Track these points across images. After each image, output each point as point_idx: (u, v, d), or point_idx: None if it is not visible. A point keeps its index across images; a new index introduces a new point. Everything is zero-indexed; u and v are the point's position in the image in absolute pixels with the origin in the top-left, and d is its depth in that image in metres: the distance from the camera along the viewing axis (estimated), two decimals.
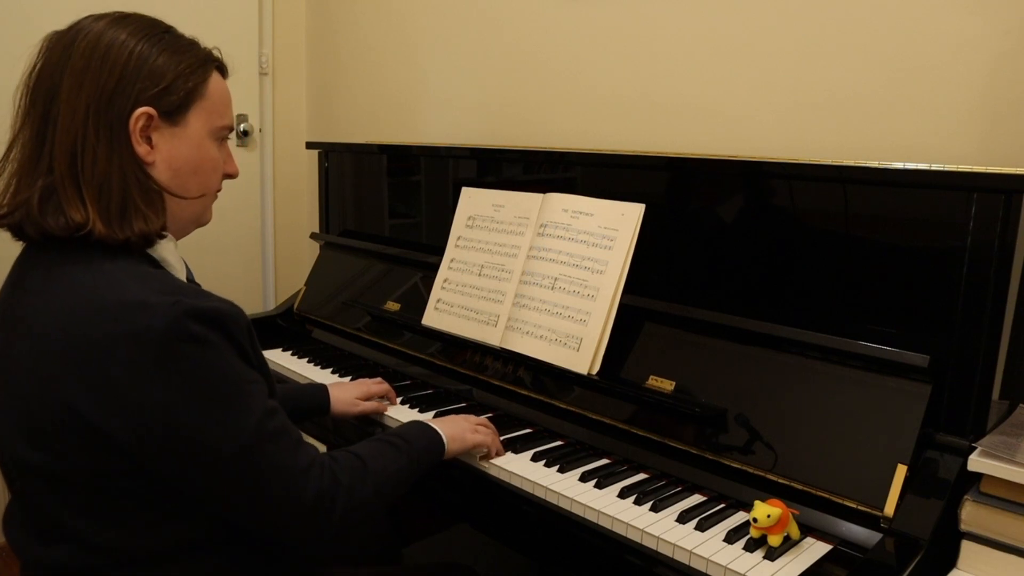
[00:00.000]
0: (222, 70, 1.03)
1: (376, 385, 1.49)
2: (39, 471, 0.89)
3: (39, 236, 0.90)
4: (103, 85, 0.90)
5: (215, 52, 1.02)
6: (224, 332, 0.87)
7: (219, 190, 1.06)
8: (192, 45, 0.99)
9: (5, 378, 0.92)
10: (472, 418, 1.29)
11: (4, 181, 0.94)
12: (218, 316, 0.86)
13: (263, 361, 0.96)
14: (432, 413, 1.46)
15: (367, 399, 1.47)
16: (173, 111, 0.95)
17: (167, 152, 0.95)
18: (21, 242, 0.97)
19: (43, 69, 0.93)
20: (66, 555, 0.91)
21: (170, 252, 0.99)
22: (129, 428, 0.84)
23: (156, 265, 0.96)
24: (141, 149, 0.93)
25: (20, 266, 0.97)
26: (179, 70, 0.95)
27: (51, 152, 0.90)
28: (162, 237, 0.97)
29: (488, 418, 1.44)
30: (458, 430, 1.22)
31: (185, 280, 1.01)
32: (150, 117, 0.93)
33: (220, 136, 1.02)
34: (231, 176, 1.06)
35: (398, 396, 1.54)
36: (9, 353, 0.91)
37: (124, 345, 0.83)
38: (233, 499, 0.90)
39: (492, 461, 1.27)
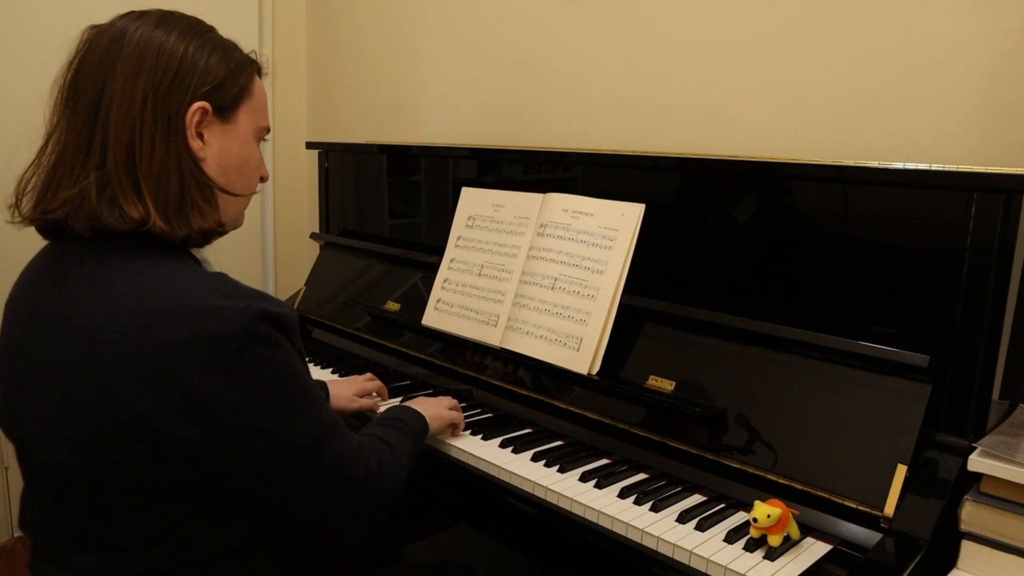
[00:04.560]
0: (260, 73, 1.05)
1: (368, 382, 1.54)
2: (84, 479, 0.87)
3: (88, 232, 0.87)
4: (160, 78, 0.90)
5: (253, 54, 1.04)
6: (287, 334, 0.89)
7: (256, 186, 1.07)
8: (235, 46, 1.01)
9: (47, 382, 0.88)
10: (440, 398, 1.38)
11: (38, 178, 0.91)
12: (284, 320, 0.88)
13: (304, 356, 0.98)
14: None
15: (361, 396, 1.51)
16: (226, 108, 0.96)
17: (217, 149, 0.96)
18: (47, 240, 0.96)
19: (86, 62, 0.91)
20: (105, 563, 0.90)
21: (209, 252, 1.01)
22: (203, 432, 0.84)
23: (200, 266, 0.97)
24: (195, 144, 0.93)
25: (55, 262, 0.93)
26: (231, 68, 0.96)
27: (104, 144, 0.88)
28: (220, 234, 0.98)
29: (488, 418, 1.45)
30: (435, 410, 1.31)
31: None
32: (205, 112, 0.93)
33: (260, 137, 1.04)
34: (263, 179, 1.07)
35: (399, 396, 1.55)
36: (52, 354, 0.88)
37: (197, 350, 0.81)
38: (299, 490, 0.92)
39: (492, 461, 1.27)
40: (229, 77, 0.96)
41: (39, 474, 0.94)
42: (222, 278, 0.91)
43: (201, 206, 0.93)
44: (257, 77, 1.03)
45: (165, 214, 0.89)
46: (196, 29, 0.96)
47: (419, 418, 1.24)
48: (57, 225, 0.90)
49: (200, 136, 0.94)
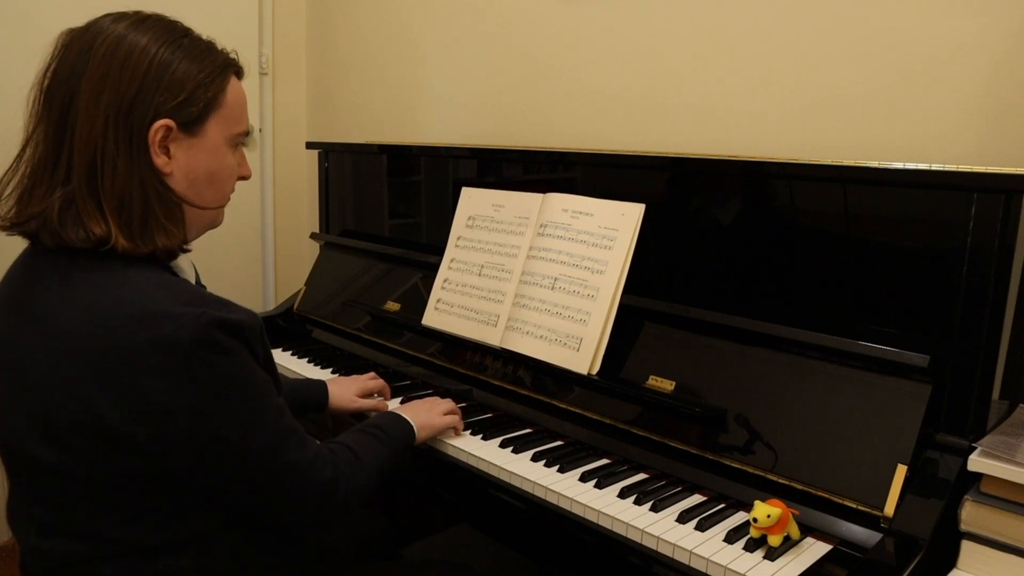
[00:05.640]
0: (239, 73, 1.02)
1: (371, 381, 1.53)
2: (51, 468, 0.90)
3: (54, 246, 0.90)
4: (123, 94, 0.89)
5: (232, 55, 1.01)
6: (244, 341, 0.89)
7: (232, 191, 1.06)
8: (210, 50, 0.98)
9: (18, 373, 0.92)
10: (438, 402, 1.37)
11: (16, 184, 0.93)
12: (240, 327, 0.88)
13: (272, 361, 0.98)
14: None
15: (363, 395, 1.49)
16: (192, 122, 0.95)
17: (184, 162, 0.95)
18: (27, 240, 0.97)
19: (59, 71, 0.91)
20: (72, 547, 0.92)
21: (184, 258, 1.00)
22: (154, 433, 0.86)
23: (171, 271, 0.97)
24: (159, 160, 0.93)
25: (35, 263, 0.96)
26: (199, 79, 0.94)
27: (69, 161, 0.89)
28: (185, 251, 0.98)
29: (488, 418, 1.45)
30: (426, 418, 1.29)
31: (193, 283, 1.02)
32: (169, 129, 0.92)
33: (236, 143, 1.02)
34: (244, 178, 1.06)
35: (399, 396, 1.55)
36: (24, 349, 0.91)
37: (151, 353, 0.84)
38: (250, 493, 0.94)
39: (492, 461, 1.27)
40: (196, 90, 0.93)
41: (15, 462, 0.97)
42: (185, 285, 0.93)
43: (165, 225, 0.93)
44: (234, 79, 1.00)
45: (129, 232, 0.90)
46: (169, 35, 0.94)
47: (402, 426, 1.23)
48: (28, 236, 0.93)
49: (166, 151, 0.93)
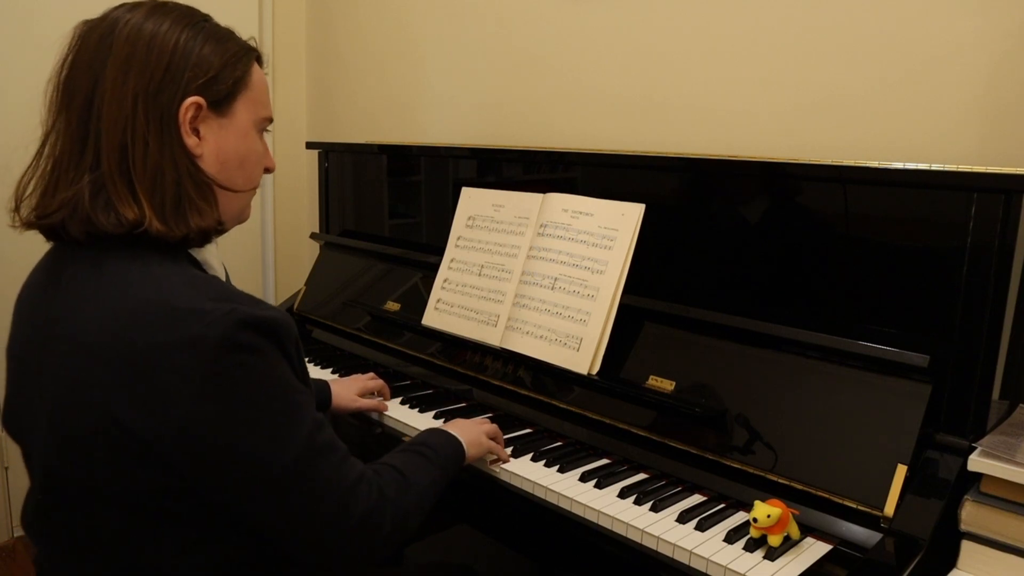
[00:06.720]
0: (259, 60, 1.01)
1: (371, 381, 1.52)
2: (71, 482, 0.85)
3: (84, 235, 0.86)
4: (151, 75, 0.87)
5: (252, 42, 1.00)
6: (277, 342, 0.84)
7: (259, 178, 1.03)
8: (231, 34, 0.97)
9: (38, 383, 0.88)
10: (481, 421, 1.30)
11: (37, 182, 0.90)
12: (273, 325, 0.83)
13: (306, 371, 0.92)
14: (432, 413, 1.47)
15: (363, 395, 1.49)
16: (221, 101, 0.93)
17: (215, 144, 0.93)
18: (50, 242, 0.94)
19: (78, 60, 0.89)
20: (92, 571, 0.88)
21: (212, 255, 0.97)
22: (175, 440, 0.80)
23: (201, 269, 0.94)
24: (190, 141, 0.90)
25: (55, 264, 0.93)
26: (225, 59, 0.92)
27: (97, 146, 0.86)
28: (219, 232, 0.95)
29: (488, 418, 1.44)
30: (473, 435, 1.21)
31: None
32: (199, 107, 0.90)
33: (262, 128, 1.00)
34: (269, 170, 1.04)
35: (399, 396, 1.55)
36: (41, 357, 0.88)
37: (176, 353, 0.79)
38: (280, 516, 0.86)
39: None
40: (223, 69, 0.92)
41: (37, 476, 0.93)
42: (213, 281, 0.89)
43: (199, 205, 0.90)
44: (256, 65, 0.99)
45: (162, 215, 0.87)
46: (189, 19, 0.92)
47: (452, 443, 1.15)
48: (54, 229, 0.88)
49: (196, 132, 0.91)
